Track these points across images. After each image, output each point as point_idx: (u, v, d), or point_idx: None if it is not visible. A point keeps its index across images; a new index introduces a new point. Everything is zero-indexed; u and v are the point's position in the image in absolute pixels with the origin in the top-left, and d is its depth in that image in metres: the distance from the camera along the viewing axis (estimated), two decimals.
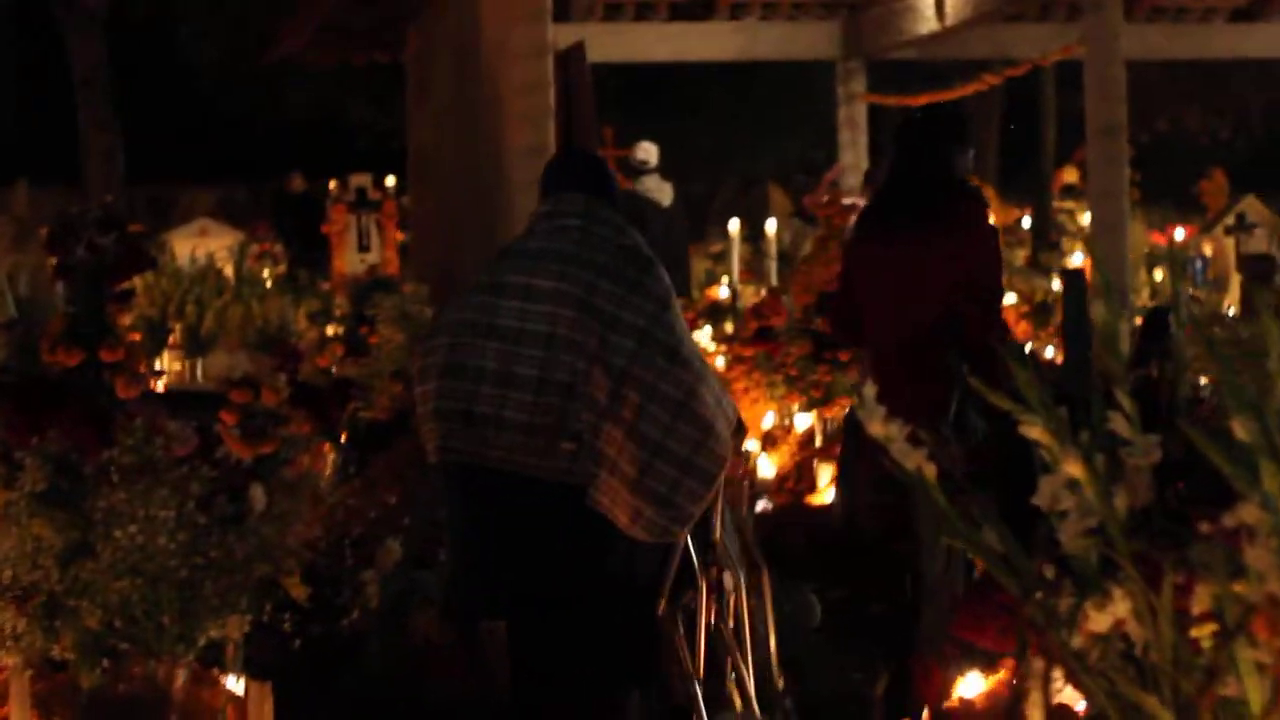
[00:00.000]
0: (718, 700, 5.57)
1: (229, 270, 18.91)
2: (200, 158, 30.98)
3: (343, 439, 8.96)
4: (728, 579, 5.61)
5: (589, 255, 5.55)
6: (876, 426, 3.34)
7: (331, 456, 8.70)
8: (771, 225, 17.21)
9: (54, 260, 5.81)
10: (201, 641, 4.89)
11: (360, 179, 21.96)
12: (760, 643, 5.78)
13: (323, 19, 15.73)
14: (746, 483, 5.80)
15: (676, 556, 5.49)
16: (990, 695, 4.37)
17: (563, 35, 12.55)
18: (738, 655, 5.59)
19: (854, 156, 18.17)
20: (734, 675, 5.59)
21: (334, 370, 10.46)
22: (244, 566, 4.80)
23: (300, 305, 18.85)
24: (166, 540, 4.64)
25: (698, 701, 5.41)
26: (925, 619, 5.70)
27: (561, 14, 13.28)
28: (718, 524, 5.61)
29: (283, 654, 5.35)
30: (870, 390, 3.33)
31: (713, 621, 5.58)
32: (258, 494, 4.87)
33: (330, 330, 18.26)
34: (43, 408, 5.06)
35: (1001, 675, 4.32)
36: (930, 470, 3.36)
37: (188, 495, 4.71)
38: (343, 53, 18.20)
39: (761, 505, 9.79)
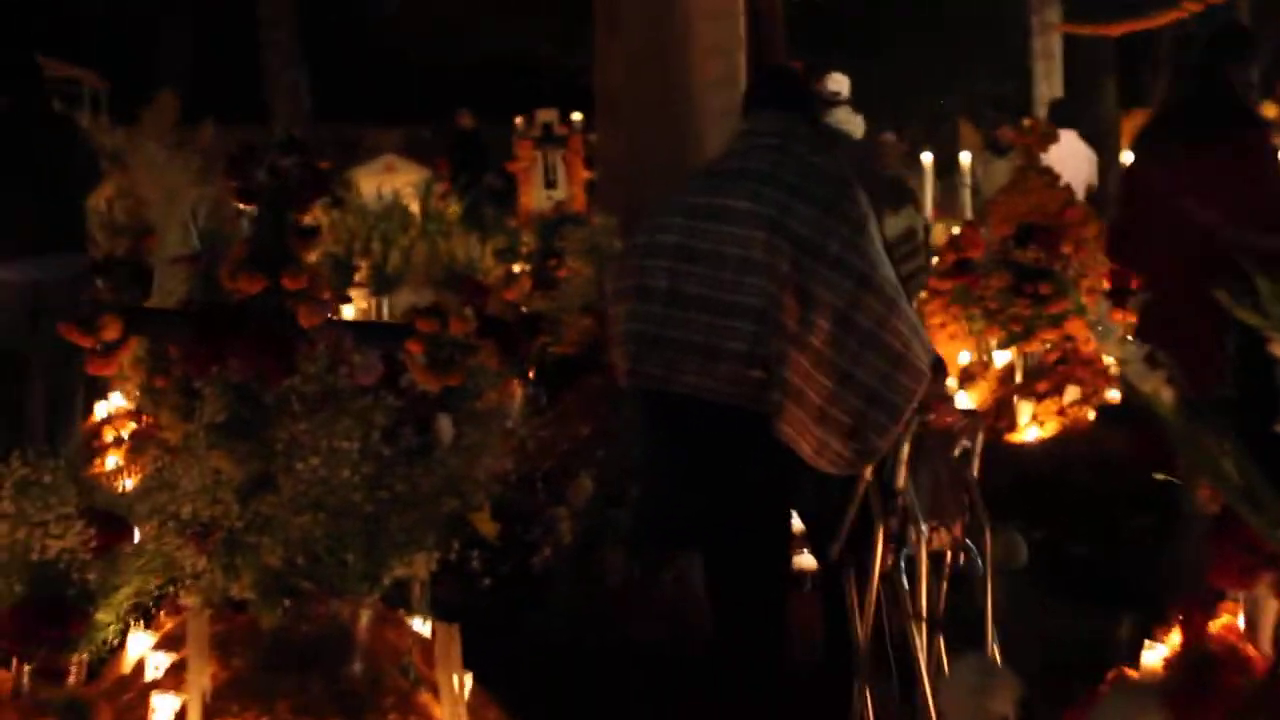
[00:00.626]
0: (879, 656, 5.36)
1: (415, 207, 18.79)
2: (386, 96, 30.95)
3: (530, 375, 8.76)
4: (911, 531, 5.31)
5: (784, 175, 5.35)
6: (1112, 348, 3.06)
7: (520, 391, 8.46)
8: (965, 158, 16.79)
9: (235, 185, 5.62)
10: (387, 580, 4.66)
11: (547, 115, 21.82)
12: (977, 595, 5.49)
13: None
14: (973, 428, 5.43)
15: (857, 497, 5.32)
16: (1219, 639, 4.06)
17: None
18: (909, 611, 5.31)
19: (1048, 88, 17.70)
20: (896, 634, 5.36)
21: (522, 306, 10.29)
22: (430, 501, 4.55)
23: (487, 242, 18.76)
24: (350, 473, 4.40)
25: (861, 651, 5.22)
26: (1185, 556, 5.38)
27: None
28: (901, 470, 5.34)
29: (470, 593, 5.13)
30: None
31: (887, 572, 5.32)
32: (445, 425, 4.63)
33: (517, 268, 18.21)
34: (223, 335, 4.85)
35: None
36: (1167, 394, 3.06)
37: (372, 426, 4.46)
38: None
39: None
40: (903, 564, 5.26)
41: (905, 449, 5.29)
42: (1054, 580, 7.36)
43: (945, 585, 5.40)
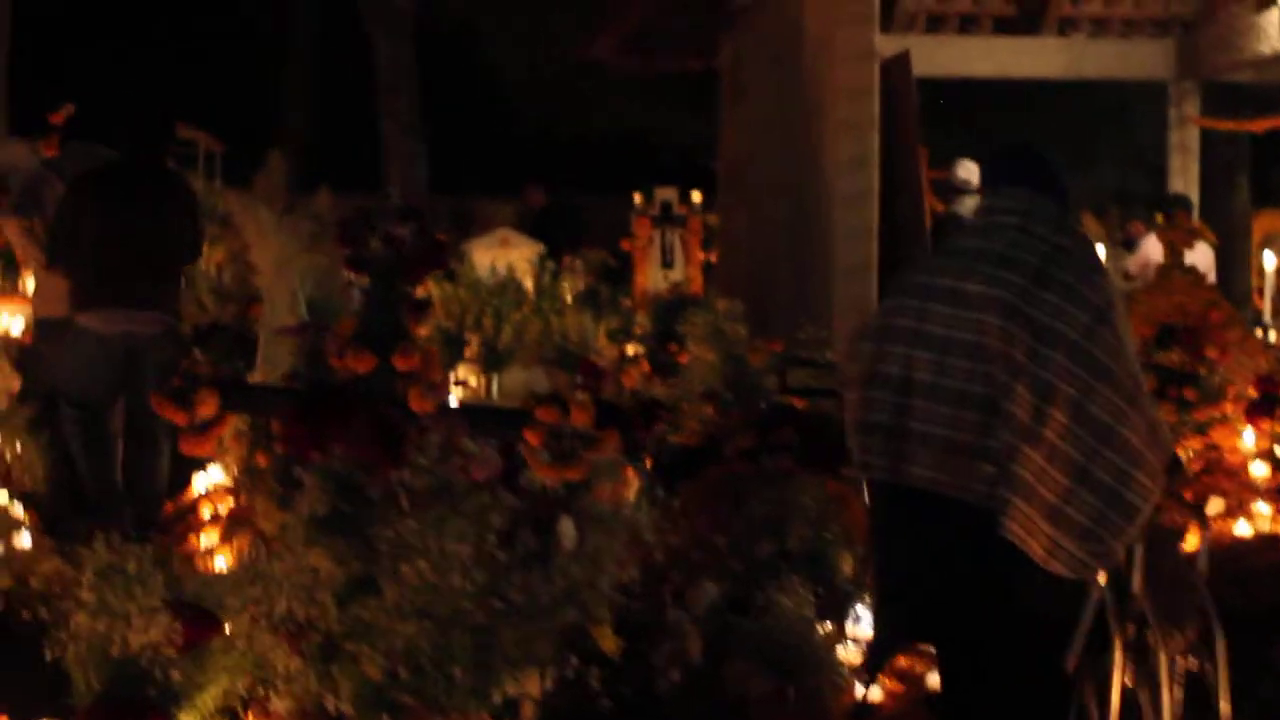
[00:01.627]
0: None
1: (528, 283, 18.44)
2: (502, 169, 30.77)
3: (648, 466, 8.34)
4: (1149, 637, 4.93)
5: (1023, 257, 5.06)
6: None
7: (637, 484, 7.99)
8: (1101, 250, 16.25)
9: (347, 253, 5.26)
10: (497, 698, 4.21)
11: (666, 193, 21.44)
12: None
13: (632, 26, 15.29)
14: (1204, 532, 5.04)
15: (1091, 603, 5.01)
16: None
17: (884, 46, 11.94)
18: None
19: (1184, 183, 17.17)
20: None
21: (635, 390, 9.89)
22: (548, 612, 4.10)
23: (601, 322, 18.43)
24: (461, 579, 3.96)
25: None
26: None
27: (883, 24, 12.62)
28: (1137, 572, 5.09)
29: (587, 714, 4.67)
30: None
31: (1127, 683, 4.94)
32: (567, 528, 4.18)
33: (630, 349, 17.88)
34: (327, 418, 4.45)
35: None
36: None
37: (487, 527, 4.02)
38: (652, 60, 17.76)
39: None
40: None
41: (1140, 551, 5.06)
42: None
43: (1181, 693, 5.02)
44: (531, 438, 5.05)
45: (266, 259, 8.96)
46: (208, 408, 4.99)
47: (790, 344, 9.47)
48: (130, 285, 9.19)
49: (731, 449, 8.45)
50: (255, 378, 9.05)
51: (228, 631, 4.64)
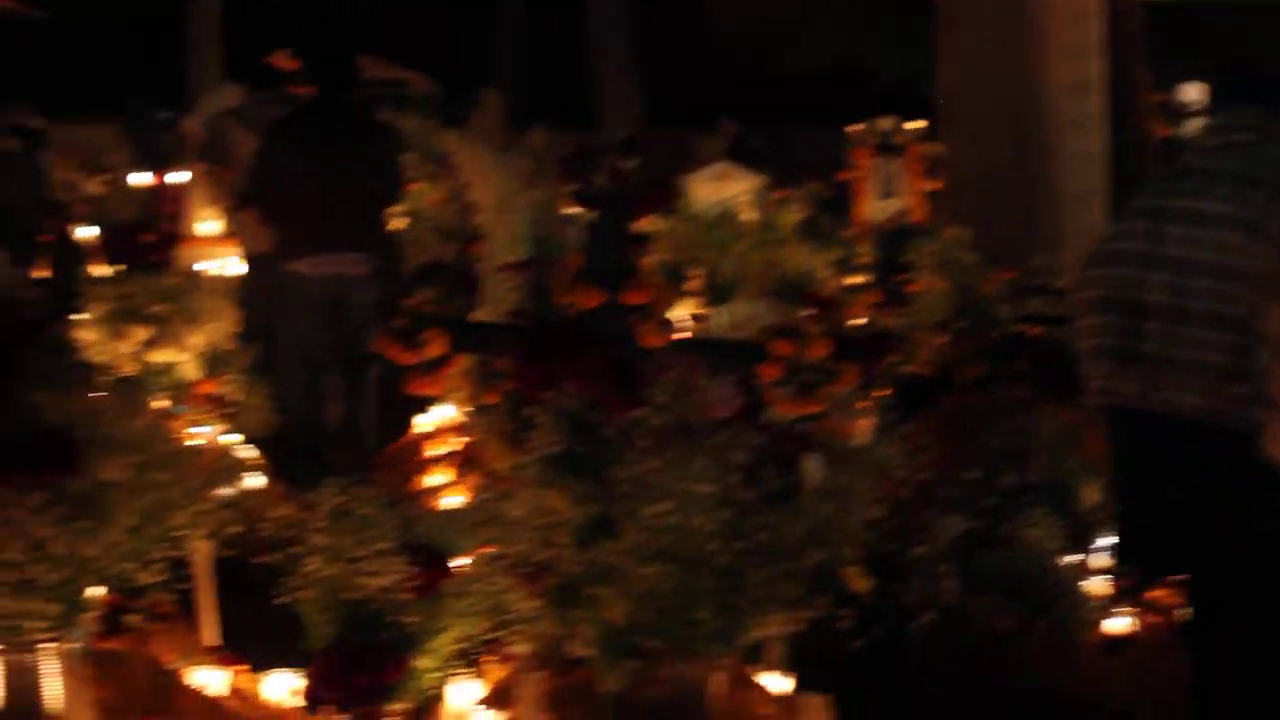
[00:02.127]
0: None
1: (749, 215, 18.22)
2: (718, 102, 30.54)
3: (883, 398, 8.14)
4: None
5: (1261, 173, 4.91)
6: None
7: (872, 417, 7.78)
8: None
9: (571, 188, 5.11)
10: (743, 640, 4.05)
11: (884, 123, 21.11)
12: None
13: None
14: None
15: None
16: None
17: None
18: None
19: None
20: None
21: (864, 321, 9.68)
22: (794, 552, 3.92)
23: (822, 252, 18.18)
24: (704, 520, 3.80)
25: None
26: None
27: None
28: None
29: (838, 655, 4.50)
30: None
31: None
32: (812, 465, 3.99)
33: (855, 279, 17.62)
34: (558, 355, 4.30)
35: None
36: None
37: (729, 466, 3.84)
38: None
39: None
40: None
41: None
42: None
43: None
44: (769, 372, 4.89)
45: (486, 197, 8.87)
46: (436, 347, 4.88)
47: (1021, 272, 9.18)
48: (332, 227, 9.35)
49: (965, 379, 8.21)
50: (478, 316, 8.97)
51: (462, 574, 4.54)
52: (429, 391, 4.87)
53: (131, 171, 22.04)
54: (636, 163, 4.75)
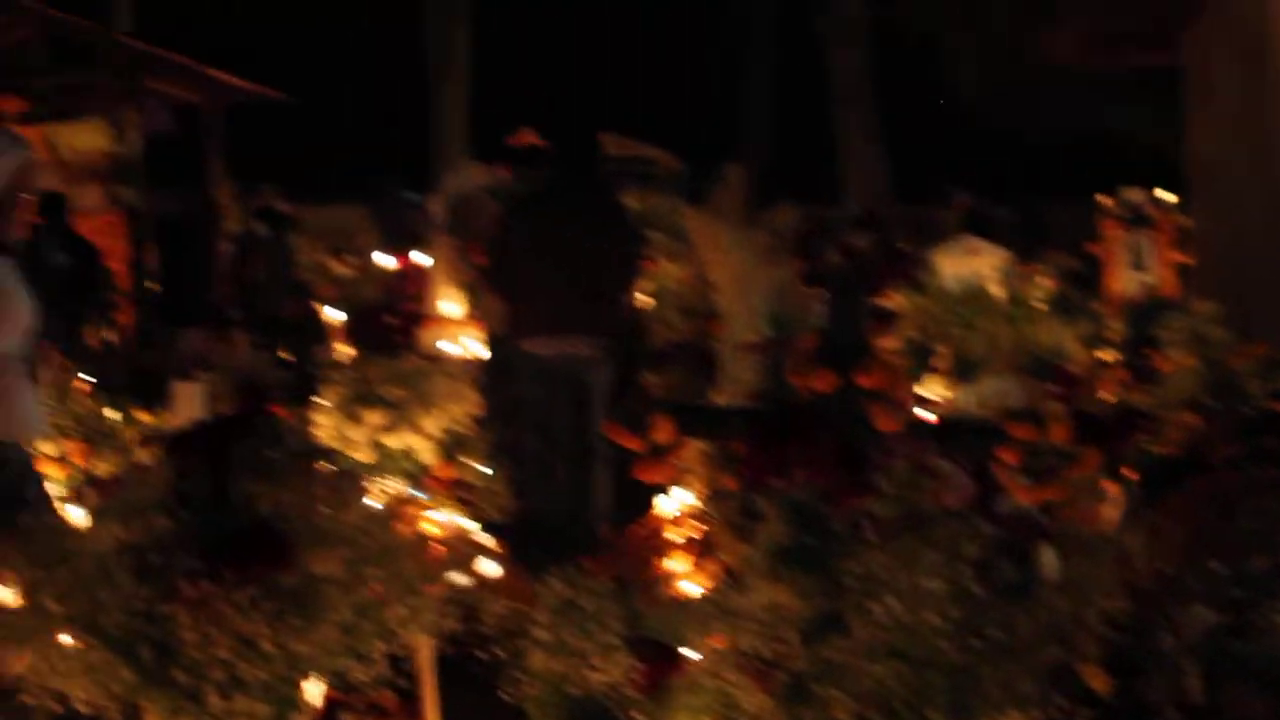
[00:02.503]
0: None
1: (997, 290, 17.93)
2: (962, 174, 30.24)
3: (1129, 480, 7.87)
4: None
5: None
6: None
7: (1118, 500, 7.52)
8: None
9: (803, 266, 4.99)
10: None
11: (1134, 194, 20.70)
12: None
13: (1095, 22, 14.74)
14: None
15: None
16: None
17: None
18: None
19: None
20: None
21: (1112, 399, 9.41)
22: (1030, 649, 3.74)
23: (1072, 327, 17.83)
24: (935, 616, 3.63)
25: None
26: None
27: None
28: None
29: None
30: None
31: None
32: (1049, 556, 3.81)
33: (1105, 355, 17.25)
34: (788, 441, 4.18)
35: None
36: None
37: (961, 558, 3.67)
38: (1115, 57, 17.11)
39: None
40: None
41: None
42: None
43: None
44: (1008, 456, 4.70)
45: (725, 275, 8.78)
46: (664, 432, 4.77)
47: (1275, 346, 8.86)
48: (565, 308, 9.35)
49: (1217, 458, 7.92)
50: (717, 395, 8.88)
51: (692, 669, 4.42)
52: (656, 479, 4.75)
53: (377, 253, 22.41)
54: (872, 238, 4.63)
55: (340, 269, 24.42)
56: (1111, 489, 7.26)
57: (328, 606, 3.56)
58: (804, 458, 4.00)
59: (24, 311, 5.95)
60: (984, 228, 22.46)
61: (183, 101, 20.50)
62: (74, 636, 3.43)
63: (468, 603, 4.64)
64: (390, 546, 3.79)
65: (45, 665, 3.42)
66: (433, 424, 8.43)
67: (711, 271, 9.25)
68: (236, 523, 3.63)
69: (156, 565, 3.47)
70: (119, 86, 18.14)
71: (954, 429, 5.10)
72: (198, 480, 3.70)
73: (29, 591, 3.45)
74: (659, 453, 4.75)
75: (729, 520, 4.22)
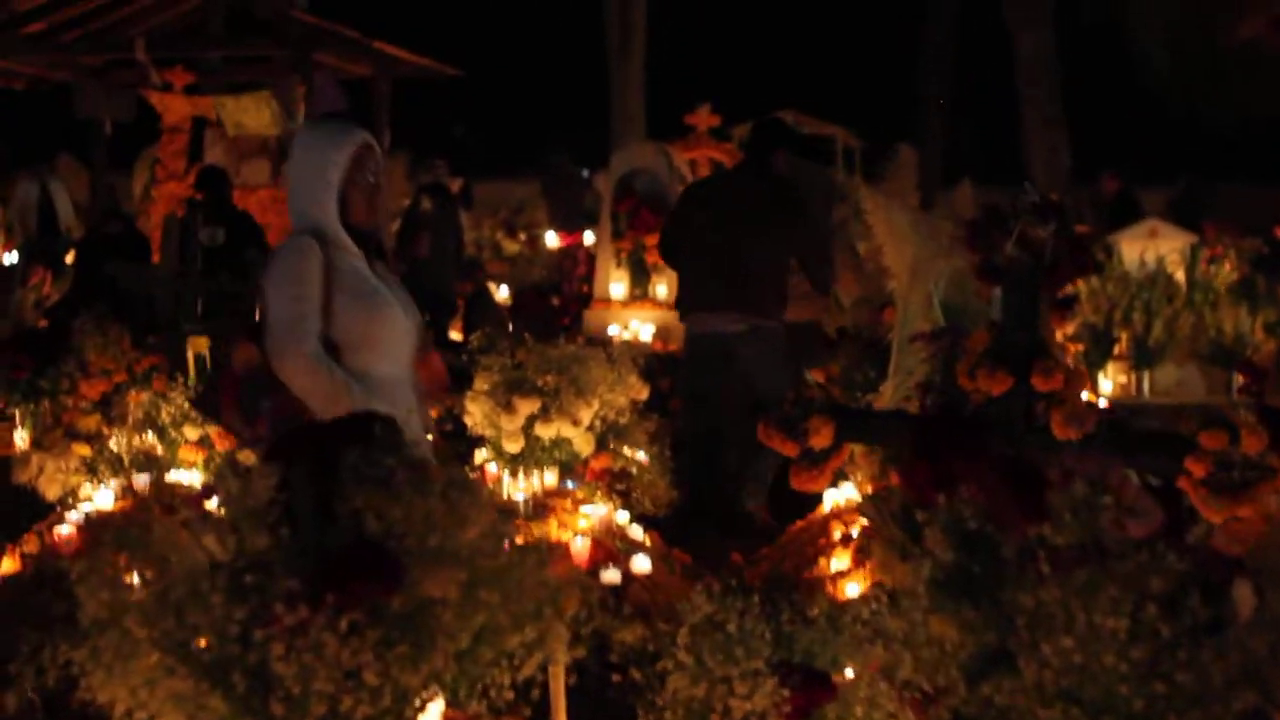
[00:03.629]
0: None
1: (1180, 275, 17.36)
2: (1150, 155, 29.53)
3: None
4: None
5: None
6: None
7: None
8: None
9: (977, 260, 4.61)
10: None
11: None
12: None
13: None
14: None
15: None
16: None
17: None
18: None
19: None
20: None
21: None
22: (1222, 695, 3.33)
23: (1258, 315, 17.26)
24: (1115, 658, 3.24)
25: None
26: None
27: None
28: None
29: None
30: None
31: None
32: (1245, 592, 3.40)
33: None
34: (955, 453, 3.80)
35: None
36: None
37: (1146, 594, 3.27)
38: None
39: None
40: None
41: None
42: None
43: None
44: (1197, 469, 4.30)
45: (901, 262, 8.36)
46: (823, 436, 4.41)
47: None
48: (713, 288, 9.75)
49: None
50: (886, 387, 8.51)
51: (845, 695, 4.07)
52: (812, 488, 4.38)
53: (550, 230, 22.17)
54: (1052, 228, 4.27)
55: (511, 245, 24.23)
56: None
57: (441, 633, 3.23)
58: (972, 473, 3.61)
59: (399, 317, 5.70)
60: (1133, 208, 21.95)
61: (353, 76, 20.37)
62: (162, 662, 3.13)
63: (603, 626, 4.32)
64: (512, 566, 3.46)
65: (131, 692, 3.13)
66: (588, 412, 8.14)
67: (886, 257, 8.84)
68: (341, 540, 3.32)
69: (252, 586, 3.17)
70: (289, 60, 18.02)
71: (1138, 438, 4.70)
72: (301, 492, 3.40)
73: (115, 611, 3.15)
74: (817, 459, 4.38)
75: (890, 538, 3.84)
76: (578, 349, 8.38)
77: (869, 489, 6.96)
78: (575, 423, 8.14)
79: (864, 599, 4.11)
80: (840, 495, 8.63)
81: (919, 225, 8.30)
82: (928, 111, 31.64)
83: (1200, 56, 24.52)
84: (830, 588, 7.92)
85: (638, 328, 13.61)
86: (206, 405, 5.86)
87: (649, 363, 11.29)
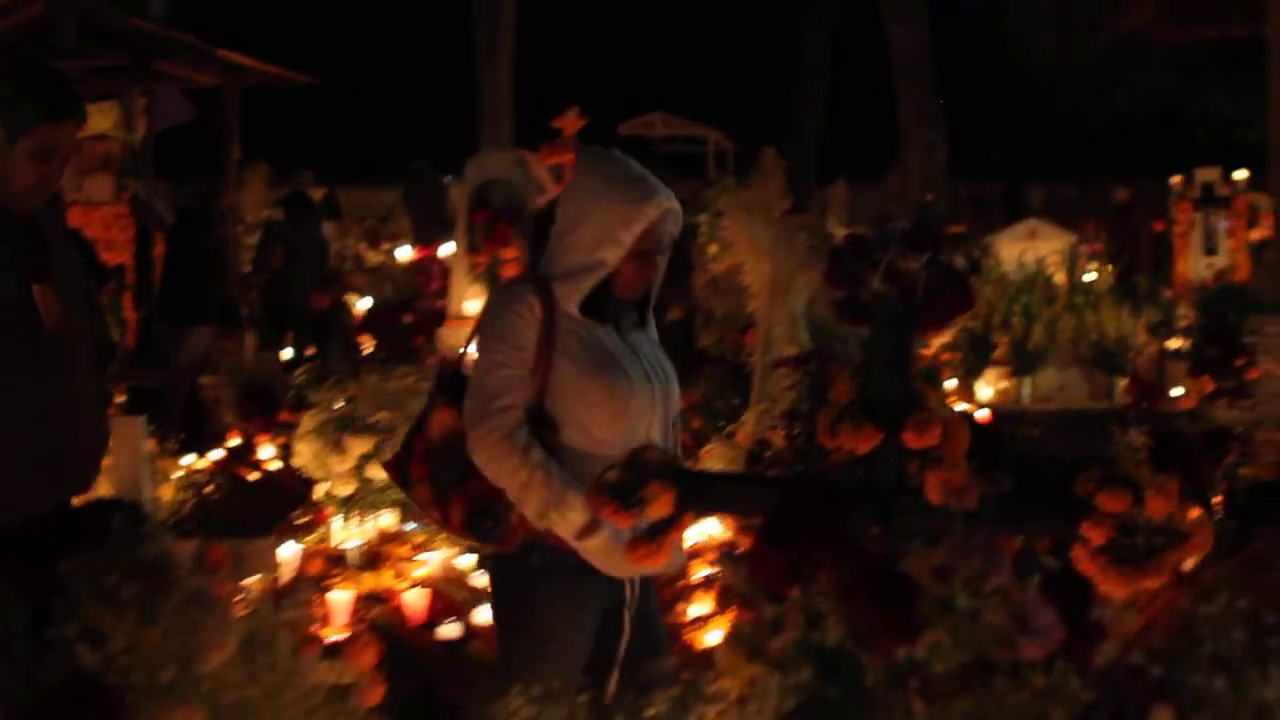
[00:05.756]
0: None
1: (1060, 277, 16.94)
2: (1026, 153, 29.31)
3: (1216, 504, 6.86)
4: None
5: None
6: None
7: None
8: None
9: (838, 299, 3.99)
10: None
11: (1207, 174, 19.73)
12: None
13: None
14: None
15: None
16: None
17: None
18: None
19: None
20: None
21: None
22: None
23: (1140, 315, 16.92)
24: None
25: None
26: None
27: None
28: None
29: None
30: None
31: None
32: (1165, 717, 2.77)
33: (1173, 344, 16.43)
34: (813, 536, 3.15)
35: None
36: None
37: None
38: (1192, 28, 16.23)
39: None
40: None
41: None
42: None
43: None
44: (1093, 535, 3.70)
45: (761, 280, 7.77)
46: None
47: None
48: None
49: None
50: (749, 415, 7.93)
51: None
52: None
53: (409, 242, 21.44)
54: (927, 259, 3.80)
55: (374, 256, 23.48)
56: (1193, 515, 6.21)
57: None
58: (831, 561, 2.97)
59: None
60: (1020, 207, 21.65)
61: (201, 86, 19.56)
62: None
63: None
64: (272, 692, 2.80)
65: None
66: None
67: (746, 275, 8.24)
68: (56, 675, 2.65)
69: None
70: (132, 70, 17.21)
71: (1029, 505, 4.10)
72: (9, 611, 2.73)
73: None
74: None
75: (738, 637, 3.17)
76: (414, 381, 7.71)
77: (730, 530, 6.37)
78: None
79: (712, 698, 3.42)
80: (704, 528, 8.00)
81: (780, 239, 7.72)
82: (803, 110, 31.23)
83: (1081, 50, 24.27)
84: (689, 637, 7.31)
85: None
86: (398, 472, 5.05)
87: None
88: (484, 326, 4.90)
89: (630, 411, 4.89)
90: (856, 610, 2.71)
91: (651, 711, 3.62)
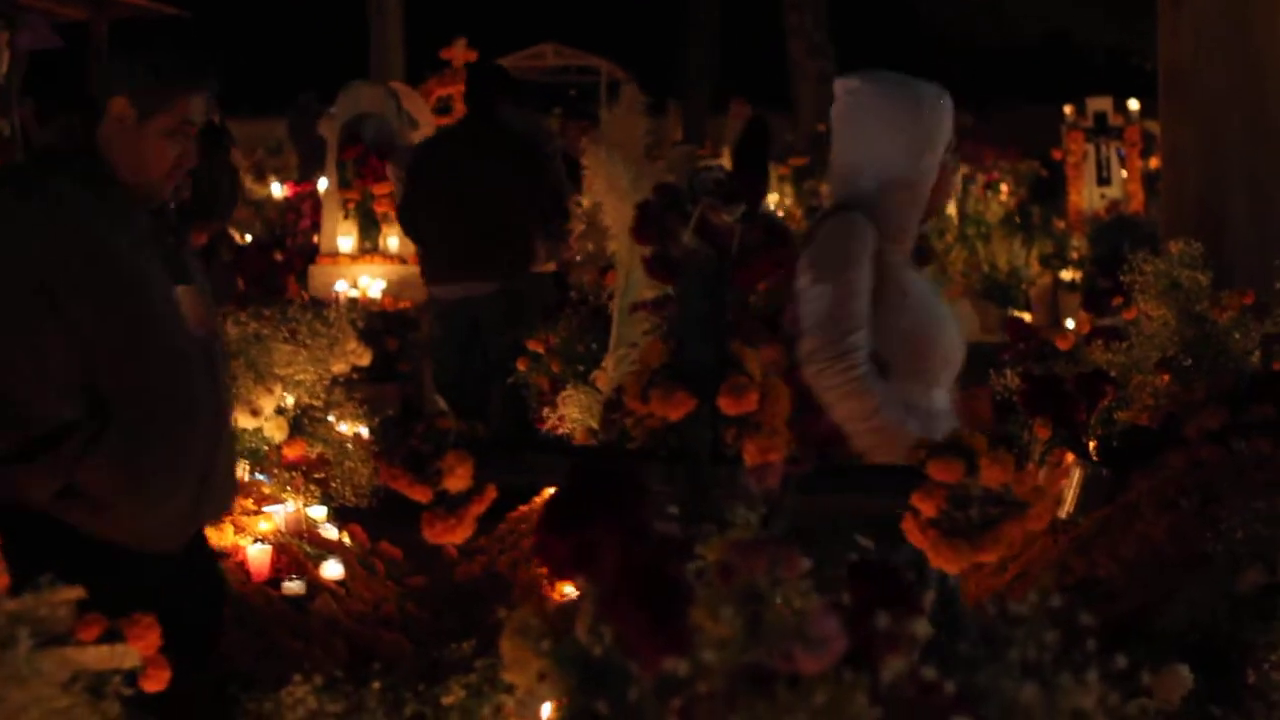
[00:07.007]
0: None
1: (950, 208, 16.80)
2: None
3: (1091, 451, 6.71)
4: None
5: None
6: None
7: (1078, 474, 6.19)
8: None
9: (648, 254, 3.71)
10: None
11: (1098, 103, 19.62)
12: None
13: None
14: None
15: None
16: None
17: None
18: None
19: None
20: None
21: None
22: None
23: (1032, 247, 16.87)
24: None
25: None
26: None
27: None
28: None
29: None
30: None
31: None
32: None
33: (1067, 275, 16.39)
34: (601, 518, 2.83)
35: None
36: None
37: None
38: None
39: None
40: None
41: None
42: None
43: None
44: (925, 507, 3.44)
45: (621, 222, 7.47)
46: (458, 478, 3.46)
47: (1264, 293, 7.54)
48: (459, 252, 9.40)
49: (1195, 430, 6.69)
50: (608, 360, 7.68)
51: None
52: (449, 540, 3.43)
53: (299, 175, 20.94)
54: (741, 211, 3.52)
55: (261, 190, 22.97)
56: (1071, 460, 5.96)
57: None
58: (612, 546, 2.65)
59: None
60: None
61: (67, 19, 19.01)
62: None
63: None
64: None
65: None
66: (269, 400, 7.14)
67: (605, 216, 7.96)
68: None
69: None
70: None
71: (852, 473, 3.82)
72: None
73: None
74: (453, 505, 3.43)
75: (523, 625, 2.87)
76: (258, 327, 7.35)
77: None
78: (255, 412, 7.15)
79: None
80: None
81: (641, 179, 7.42)
82: (693, 42, 30.99)
83: None
84: (549, 590, 7.10)
85: (367, 284, 12.61)
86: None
87: (374, 322, 10.53)
88: (821, 257, 4.48)
89: (950, 364, 4.66)
90: (620, 614, 2.41)
91: (449, 700, 3.35)
